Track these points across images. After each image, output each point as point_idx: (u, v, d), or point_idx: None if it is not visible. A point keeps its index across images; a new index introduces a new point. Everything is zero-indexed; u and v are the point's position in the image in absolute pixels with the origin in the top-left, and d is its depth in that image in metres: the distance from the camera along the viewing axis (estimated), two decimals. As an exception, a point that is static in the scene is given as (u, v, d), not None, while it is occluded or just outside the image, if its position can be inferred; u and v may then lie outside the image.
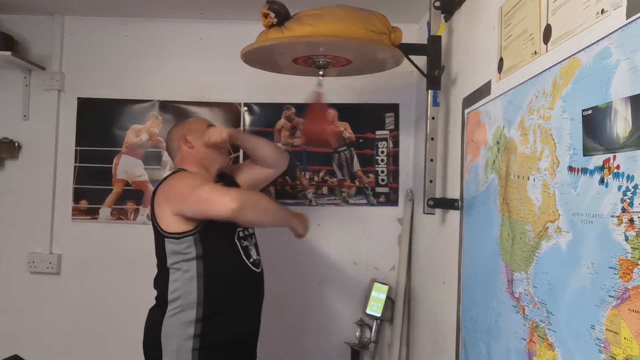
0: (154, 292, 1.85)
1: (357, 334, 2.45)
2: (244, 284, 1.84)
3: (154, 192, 1.85)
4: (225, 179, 2.03)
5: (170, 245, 1.76)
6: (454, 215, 1.78)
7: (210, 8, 2.40)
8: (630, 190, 0.85)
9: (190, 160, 1.91)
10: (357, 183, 2.53)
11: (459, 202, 1.70)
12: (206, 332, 1.74)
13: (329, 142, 2.26)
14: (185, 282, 1.75)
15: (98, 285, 2.49)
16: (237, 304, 1.82)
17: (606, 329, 0.90)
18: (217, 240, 1.80)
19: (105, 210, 2.51)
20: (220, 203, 1.67)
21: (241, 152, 2.51)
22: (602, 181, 0.92)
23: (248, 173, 2.10)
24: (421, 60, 1.87)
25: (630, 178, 0.85)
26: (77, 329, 2.48)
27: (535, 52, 1.21)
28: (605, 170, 0.91)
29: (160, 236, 1.78)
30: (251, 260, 1.85)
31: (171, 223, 1.76)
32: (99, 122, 2.53)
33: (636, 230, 0.83)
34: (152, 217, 1.82)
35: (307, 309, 2.51)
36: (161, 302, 1.78)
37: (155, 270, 1.86)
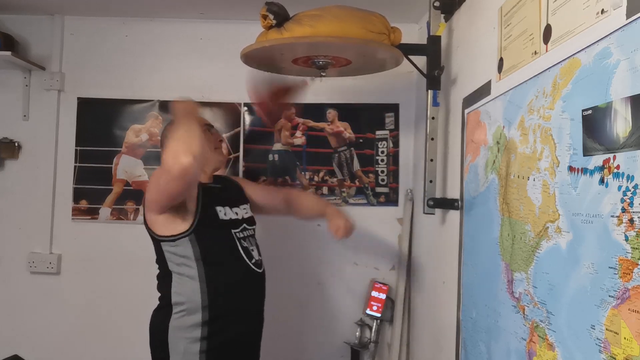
0: (154, 292, 1.85)
1: (357, 334, 2.45)
2: (247, 285, 1.84)
3: (143, 199, 1.85)
4: (228, 184, 2.03)
5: (167, 248, 1.76)
6: (454, 215, 1.78)
7: (210, 8, 2.40)
8: (630, 190, 0.85)
9: None
10: (357, 183, 2.53)
11: (459, 202, 1.70)
12: (212, 334, 1.73)
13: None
14: (189, 285, 1.74)
15: (98, 285, 2.49)
16: (242, 305, 1.82)
17: (606, 329, 0.90)
18: (215, 240, 1.79)
19: (105, 210, 2.51)
20: (170, 162, 1.53)
21: (241, 153, 2.52)
22: (602, 181, 0.92)
23: (267, 197, 2.11)
24: (421, 60, 1.87)
25: (630, 178, 0.85)
26: (77, 329, 2.48)
27: (535, 52, 1.21)
28: (605, 170, 0.91)
29: (156, 241, 1.78)
30: (253, 261, 1.84)
31: (162, 226, 1.75)
32: (99, 122, 2.53)
33: (636, 230, 0.83)
34: (146, 224, 1.81)
35: (307, 309, 2.51)
36: (165, 305, 1.77)
37: (156, 271, 1.86)
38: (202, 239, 1.75)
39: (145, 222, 1.81)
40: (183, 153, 1.52)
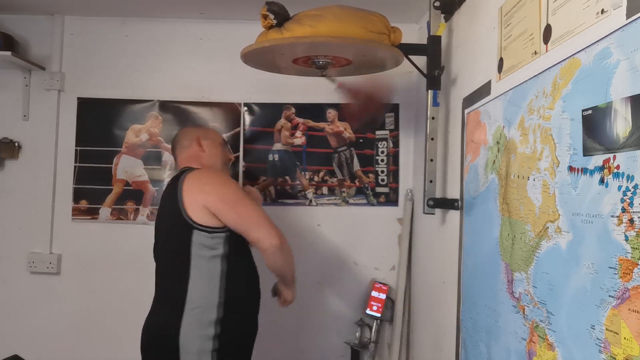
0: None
1: (357, 334, 2.45)
2: (256, 286, 1.89)
3: (182, 181, 1.78)
4: None
5: (198, 238, 1.73)
6: (454, 215, 1.78)
7: (210, 8, 2.40)
8: (630, 190, 0.85)
9: (197, 161, 1.94)
10: (357, 183, 2.53)
11: (459, 202, 1.70)
12: (223, 332, 1.73)
13: (381, 105, 2.07)
14: (208, 281, 1.73)
15: (98, 285, 2.49)
16: (251, 305, 1.86)
17: (606, 329, 0.90)
18: (241, 242, 1.80)
19: (105, 210, 2.51)
20: (267, 233, 1.72)
21: (241, 153, 2.52)
22: (602, 181, 0.92)
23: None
24: (421, 60, 1.87)
25: (630, 178, 0.85)
26: (77, 329, 2.48)
27: (535, 52, 1.21)
28: (605, 170, 0.91)
29: (188, 227, 1.73)
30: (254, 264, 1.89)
31: (201, 215, 1.73)
32: (99, 122, 2.53)
33: (636, 230, 0.83)
34: (179, 207, 1.74)
35: (307, 309, 2.51)
36: (176, 301, 1.73)
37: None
38: (233, 237, 1.77)
39: (180, 205, 1.74)
40: (283, 248, 1.75)
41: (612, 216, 0.89)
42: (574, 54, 1.04)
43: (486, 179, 1.47)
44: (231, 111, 2.53)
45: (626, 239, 0.85)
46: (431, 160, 1.83)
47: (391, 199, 2.53)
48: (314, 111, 2.53)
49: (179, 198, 1.75)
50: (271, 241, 1.72)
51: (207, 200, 1.74)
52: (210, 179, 1.83)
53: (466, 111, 1.68)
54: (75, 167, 2.52)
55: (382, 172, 2.54)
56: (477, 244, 1.54)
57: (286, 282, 1.92)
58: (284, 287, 1.94)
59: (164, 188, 2.42)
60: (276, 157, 2.53)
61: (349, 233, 2.53)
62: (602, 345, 0.91)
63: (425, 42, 1.87)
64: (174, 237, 1.78)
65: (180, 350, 1.69)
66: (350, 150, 2.53)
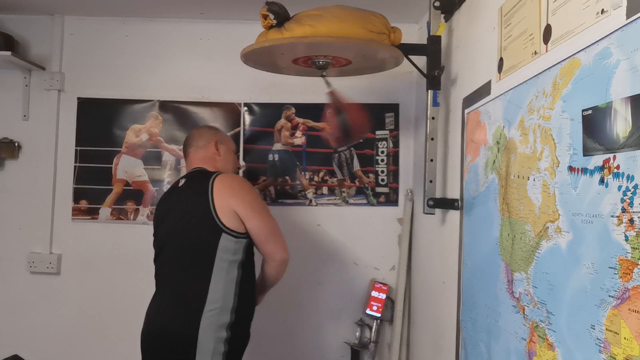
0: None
1: (357, 334, 2.45)
2: (255, 295, 1.92)
3: (212, 183, 1.81)
4: None
5: (225, 242, 1.76)
6: (454, 215, 1.78)
7: (210, 8, 2.40)
8: (630, 190, 0.85)
9: (211, 164, 1.97)
10: (357, 183, 2.53)
11: (459, 202, 1.70)
12: (232, 336, 1.77)
13: (365, 126, 2.08)
14: (226, 285, 1.76)
15: (98, 285, 2.49)
16: (252, 312, 1.89)
17: (606, 329, 0.90)
18: (252, 251, 1.86)
19: (105, 210, 2.51)
20: (282, 247, 1.85)
21: (241, 153, 2.52)
22: (602, 181, 0.92)
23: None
24: (421, 60, 1.87)
25: (630, 178, 0.85)
26: (77, 328, 2.48)
27: (535, 52, 1.21)
28: (605, 170, 0.91)
29: (218, 230, 1.76)
30: None
31: (231, 219, 1.77)
32: (99, 122, 2.53)
33: (636, 230, 0.83)
34: (210, 209, 1.77)
35: (307, 309, 2.51)
36: (195, 302, 1.74)
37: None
38: (249, 245, 1.83)
39: (211, 208, 1.77)
40: (286, 264, 1.89)
41: (612, 216, 0.89)
42: (574, 54, 1.04)
43: (486, 179, 1.47)
44: (231, 111, 2.53)
45: (626, 239, 0.85)
46: (431, 160, 1.83)
47: (391, 199, 2.53)
48: (314, 111, 2.53)
49: (209, 200, 1.78)
50: (283, 255, 1.85)
51: (237, 205, 1.79)
52: (242, 184, 1.89)
53: (466, 111, 1.68)
54: (75, 167, 2.52)
55: (382, 172, 2.53)
56: (477, 244, 1.54)
57: (267, 288, 1.98)
58: (260, 290, 1.97)
59: (164, 188, 2.44)
60: (276, 157, 2.53)
61: (349, 233, 2.53)
62: (602, 345, 0.91)
63: (425, 42, 1.87)
64: (198, 238, 1.79)
65: (197, 350, 1.71)
66: (350, 150, 2.53)
